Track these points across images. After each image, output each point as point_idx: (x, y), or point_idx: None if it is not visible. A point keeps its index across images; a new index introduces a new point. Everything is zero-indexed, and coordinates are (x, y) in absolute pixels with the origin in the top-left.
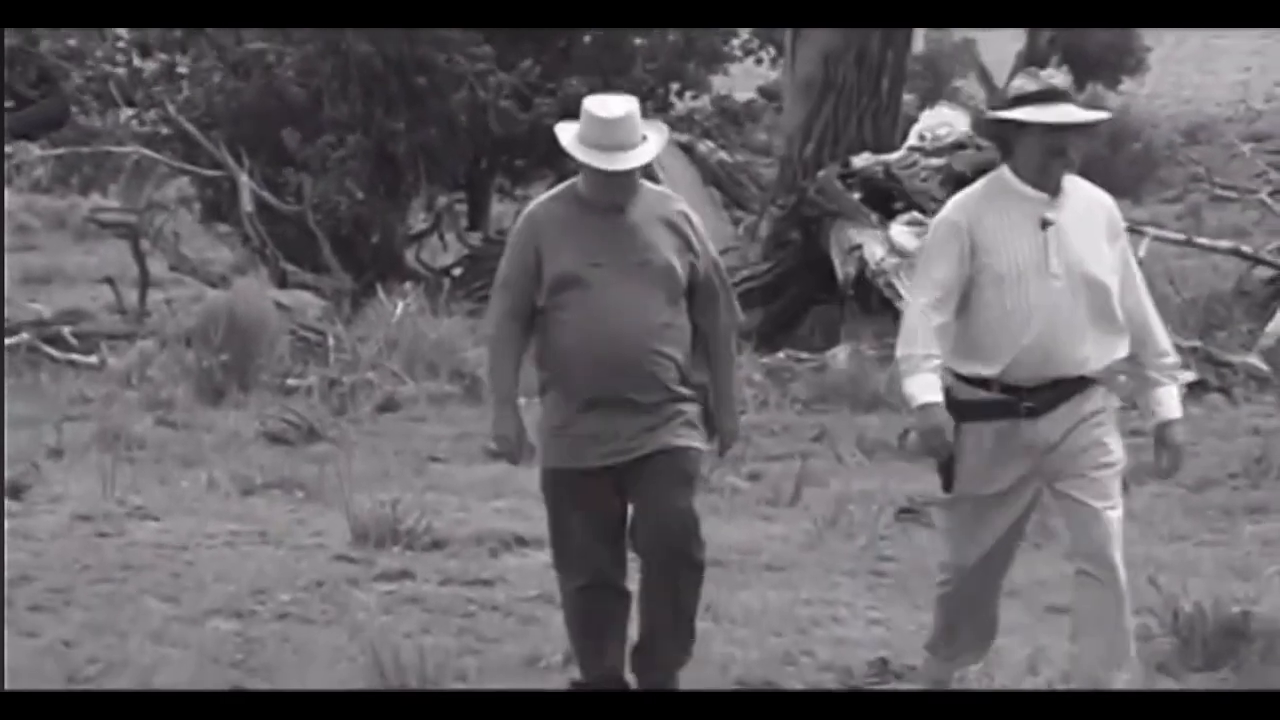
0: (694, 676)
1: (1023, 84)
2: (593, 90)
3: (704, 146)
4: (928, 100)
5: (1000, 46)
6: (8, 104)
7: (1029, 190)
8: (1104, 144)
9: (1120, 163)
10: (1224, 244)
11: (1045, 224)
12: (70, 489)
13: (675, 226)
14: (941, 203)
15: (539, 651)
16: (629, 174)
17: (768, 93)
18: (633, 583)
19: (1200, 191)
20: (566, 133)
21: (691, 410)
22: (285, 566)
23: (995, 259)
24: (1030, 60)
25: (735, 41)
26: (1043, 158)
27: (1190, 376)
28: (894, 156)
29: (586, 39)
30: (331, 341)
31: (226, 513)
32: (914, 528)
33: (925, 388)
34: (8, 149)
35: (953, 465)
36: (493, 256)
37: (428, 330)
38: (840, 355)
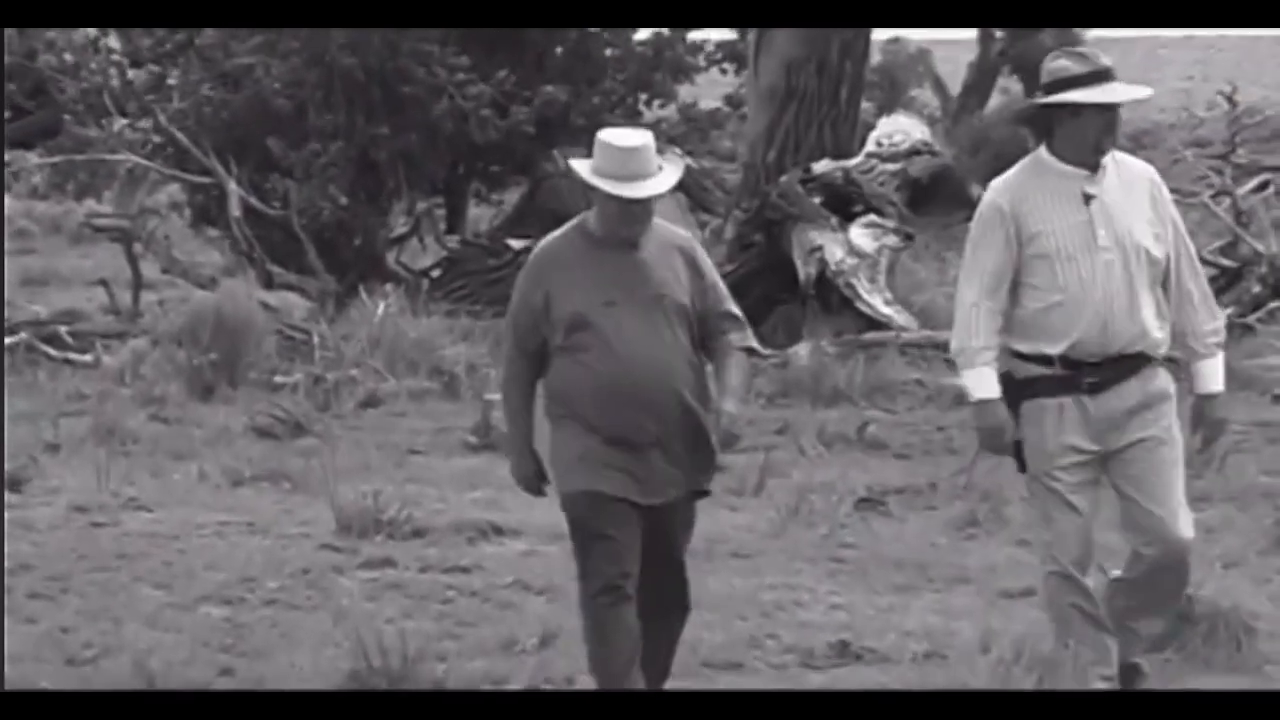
0: None
1: (1067, 65)
2: (566, 98)
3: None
4: (884, 109)
5: (953, 58)
6: (6, 114)
7: (1066, 168)
8: None
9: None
10: None
11: (1088, 199)
12: (67, 482)
13: (684, 259)
14: (897, 206)
15: (515, 635)
16: (645, 204)
17: (732, 101)
18: None
19: None
20: (583, 166)
21: (702, 443)
22: (273, 555)
23: (1042, 239)
24: (981, 71)
25: (701, 53)
26: (1096, 136)
27: (1221, 339)
28: (853, 162)
29: (559, 50)
30: (316, 340)
31: (216, 504)
32: (872, 517)
33: (982, 382)
34: (6, 156)
35: (1021, 446)
36: (470, 259)
37: (408, 329)
38: (802, 352)
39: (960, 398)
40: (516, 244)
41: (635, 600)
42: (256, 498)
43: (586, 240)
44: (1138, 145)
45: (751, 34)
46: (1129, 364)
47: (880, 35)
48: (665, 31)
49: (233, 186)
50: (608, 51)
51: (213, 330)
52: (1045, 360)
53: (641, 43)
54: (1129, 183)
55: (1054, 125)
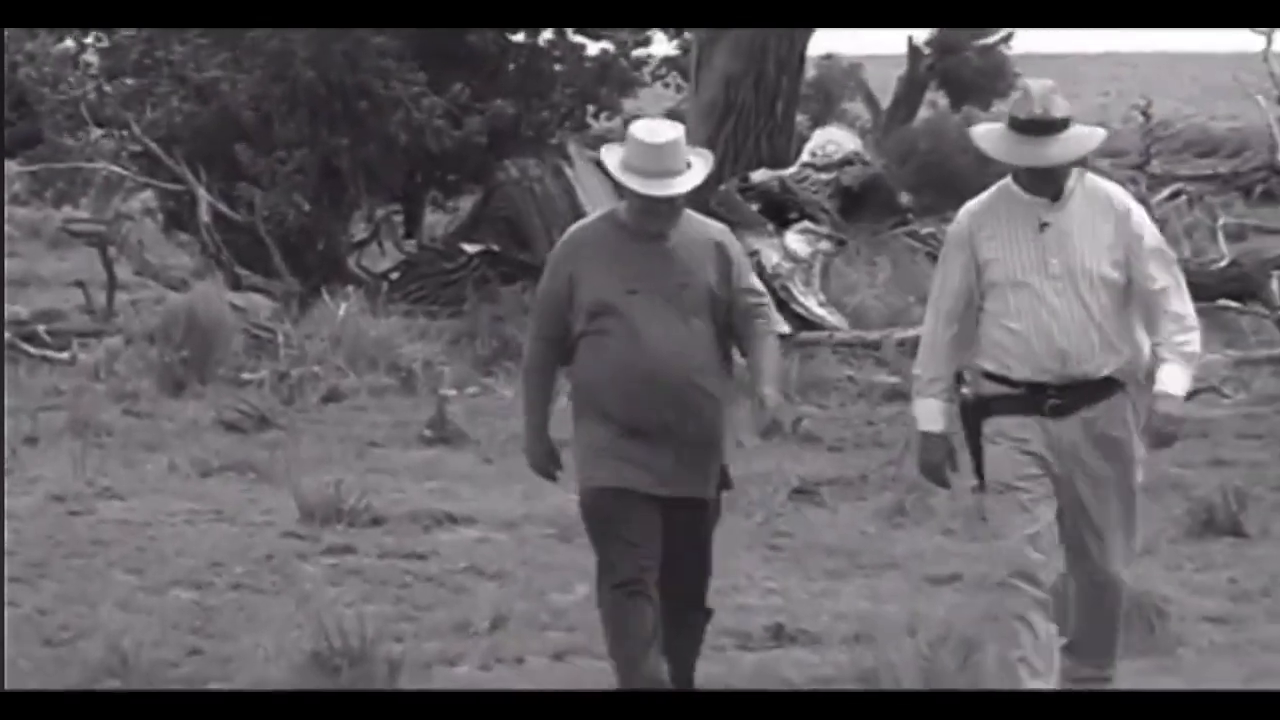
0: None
1: (1013, 105)
2: (516, 110)
3: None
4: (818, 121)
5: (884, 73)
6: None
7: (1027, 196)
8: (979, 158)
9: (992, 176)
10: None
11: (1043, 226)
12: (45, 472)
13: (714, 252)
14: (830, 213)
15: (468, 618)
16: (672, 200)
17: (674, 115)
18: None
19: None
20: (612, 156)
21: (716, 441)
22: (239, 542)
23: (995, 267)
24: (910, 86)
25: (645, 68)
26: (1028, 179)
27: (1193, 348)
28: (788, 172)
29: (510, 66)
30: (281, 339)
31: (186, 493)
32: (806, 506)
33: (928, 414)
34: None
35: (980, 461)
36: (426, 262)
37: (368, 328)
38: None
39: (889, 394)
40: (471, 248)
41: (655, 597)
42: (224, 487)
43: (615, 229)
44: None
45: (693, 50)
46: (1092, 390)
47: (814, 51)
48: (610, 48)
49: (202, 193)
50: (556, 66)
51: (183, 329)
52: (1009, 381)
53: (588, 58)
54: (1091, 209)
55: None
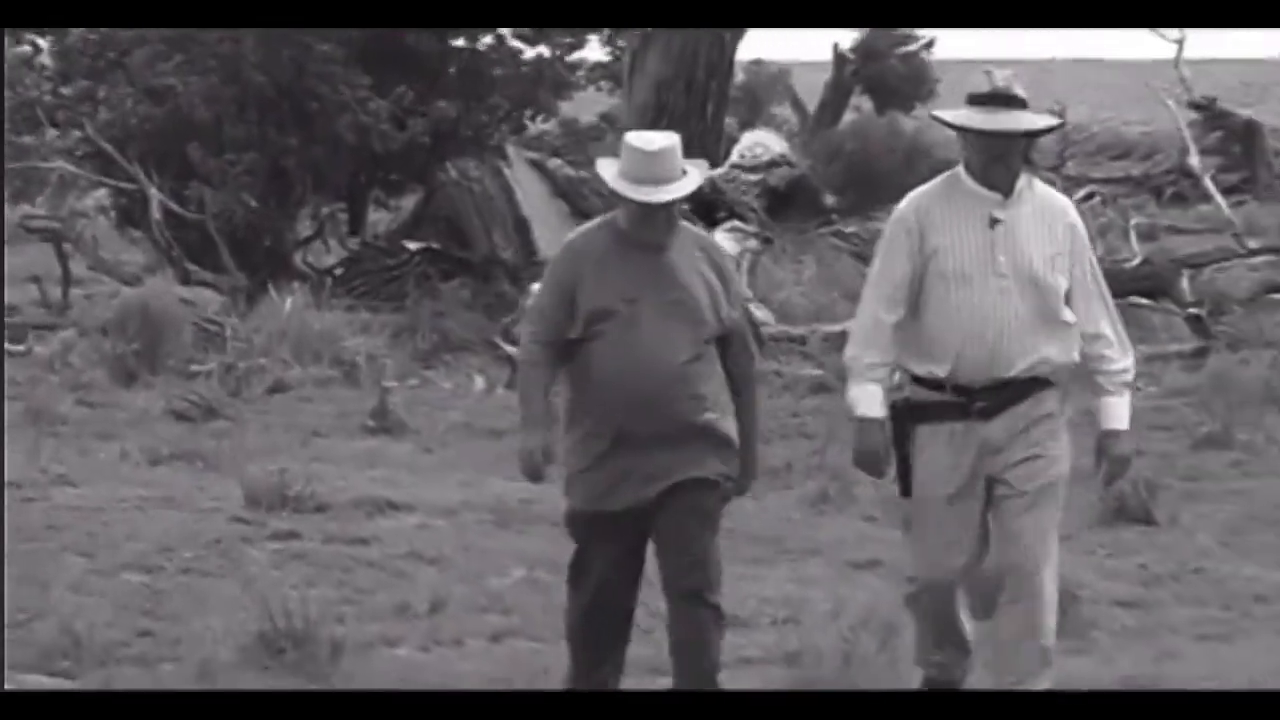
0: (541, 622)
1: (975, 83)
2: (457, 113)
3: (553, 163)
4: (747, 124)
5: (810, 78)
6: None
7: (980, 189)
8: (902, 160)
9: (915, 176)
10: None
11: (994, 222)
12: None
13: (709, 266)
14: (758, 212)
15: (408, 601)
16: (668, 208)
17: (608, 118)
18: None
19: None
20: (608, 168)
21: (717, 437)
22: (188, 527)
23: (943, 257)
24: (835, 90)
25: (580, 73)
26: (982, 161)
27: (1130, 378)
28: (718, 172)
29: (451, 70)
30: (229, 332)
31: (137, 480)
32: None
33: (866, 398)
34: None
35: (909, 469)
36: (369, 259)
37: (313, 322)
38: None
39: (814, 386)
40: (412, 246)
41: (628, 606)
42: (173, 475)
43: (617, 237)
44: None
45: (626, 55)
46: (1019, 389)
47: (743, 57)
48: (546, 53)
49: (154, 192)
50: (495, 71)
51: (135, 323)
52: (937, 385)
53: (525, 63)
54: (1041, 214)
55: (961, 141)
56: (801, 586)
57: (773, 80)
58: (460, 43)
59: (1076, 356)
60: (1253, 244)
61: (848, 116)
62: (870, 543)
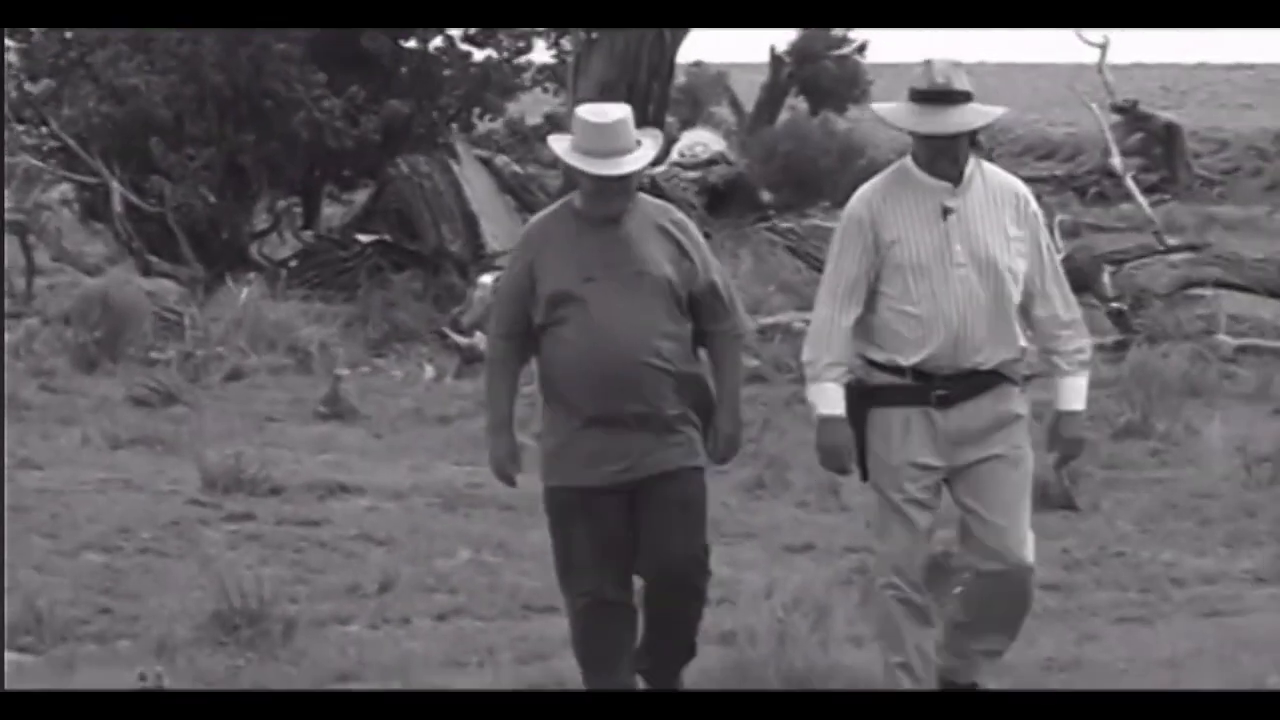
0: (487, 602)
1: (915, 77)
2: (408, 111)
3: (500, 160)
4: (687, 123)
5: (748, 80)
6: None
7: (929, 179)
8: (836, 158)
9: (849, 174)
10: None
11: (946, 212)
12: None
13: (670, 235)
14: (697, 208)
15: (358, 581)
16: (624, 180)
17: (553, 118)
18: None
19: None
20: (560, 143)
21: (693, 426)
22: (147, 509)
23: (898, 249)
24: (771, 92)
25: (526, 74)
26: (928, 154)
27: (1087, 358)
28: (658, 170)
29: (403, 70)
30: (187, 321)
31: (98, 463)
32: None
33: (827, 398)
34: None
35: (865, 454)
36: (323, 251)
37: (268, 312)
38: None
39: (750, 376)
40: (364, 239)
41: (624, 602)
42: (133, 458)
43: (573, 217)
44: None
45: (571, 58)
46: (981, 381)
47: (683, 59)
48: (494, 55)
49: (116, 186)
50: (445, 72)
51: (97, 312)
52: (897, 370)
53: (474, 64)
54: (993, 197)
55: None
56: (736, 569)
57: (712, 82)
58: (412, 45)
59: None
60: (1172, 241)
61: (783, 116)
62: (804, 527)
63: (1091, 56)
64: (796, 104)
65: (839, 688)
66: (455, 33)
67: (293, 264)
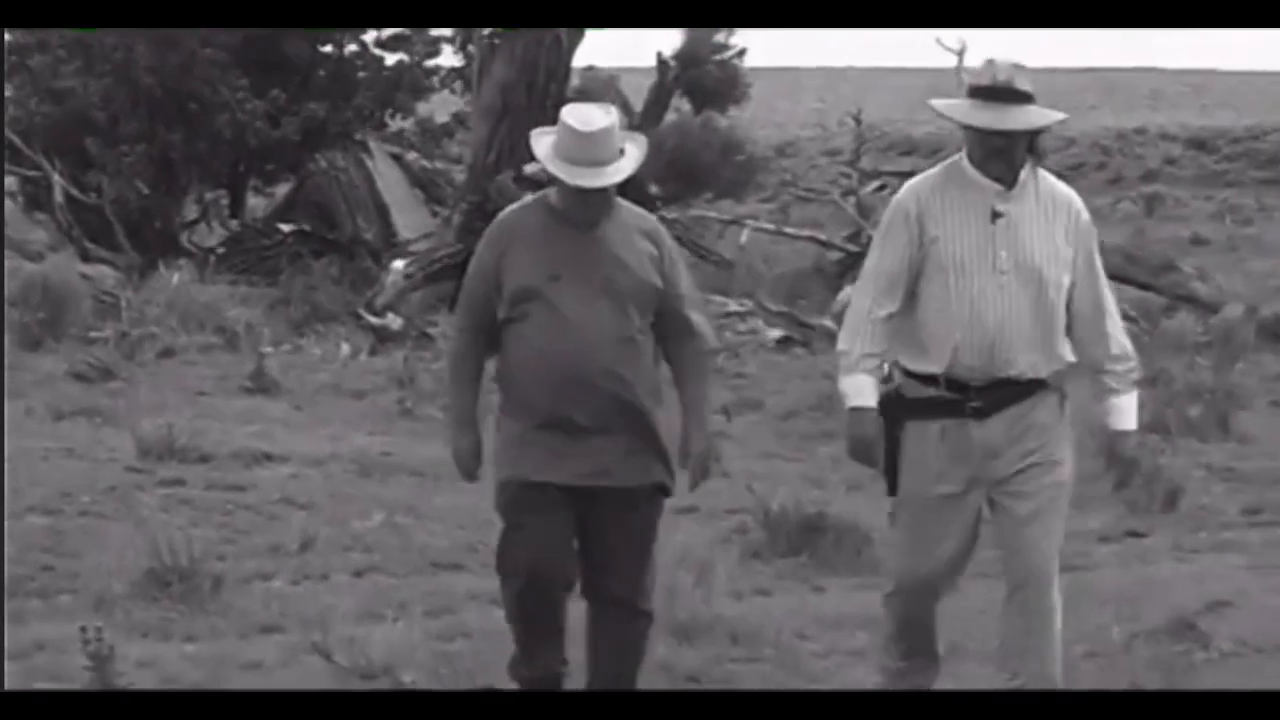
0: (399, 560)
1: (976, 74)
2: (325, 112)
3: (411, 156)
4: None
5: (636, 83)
6: None
7: (983, 180)
8: (717, 153)
9: (728, 170)
10: (805, 233)
11: (995, 216)
12: None
13: (644, 244)
14: None
15: (281, 541)
16: (603, 191)
17: (459, 116)
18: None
19: (788, 193)
20: (542, 144)
21: (650, 431)
22: (86, 475)
23: (942, 248)
24: (658, 94)
25: (435, 76)
26: (981, 154)
27: (1138, 375)
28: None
29: (320, 73)
30: (124, 303)
31: (41, 433)
32: None
33: (859, 389)
34: None
35: (896, 466)
36: (248, 239)
37: (198, 295)
38: None
39: None
40: (286, 228)
41: (563, 596)
42: (74, 429)
43: (547, 214)
44: (782, 154)
45: (475, 61)
46: (1016, 390)
47: (578, 63)
48: (405, 58)
49: (57, 179)
50: (360, 74)
51: (40, 295)
52: (932, 380)
53: (387, 67)
54: (1046, 206)
55: (964, 132)
56: None
57: (604, 84)
58: (328, 49)
59: (1072, 356)
60: None
61: (670, 116)
62: (688, 491)
63: (950, 61)
64: (681, 104)
65: (720, 636)
66: (369, 38)
67: (220, 251)
